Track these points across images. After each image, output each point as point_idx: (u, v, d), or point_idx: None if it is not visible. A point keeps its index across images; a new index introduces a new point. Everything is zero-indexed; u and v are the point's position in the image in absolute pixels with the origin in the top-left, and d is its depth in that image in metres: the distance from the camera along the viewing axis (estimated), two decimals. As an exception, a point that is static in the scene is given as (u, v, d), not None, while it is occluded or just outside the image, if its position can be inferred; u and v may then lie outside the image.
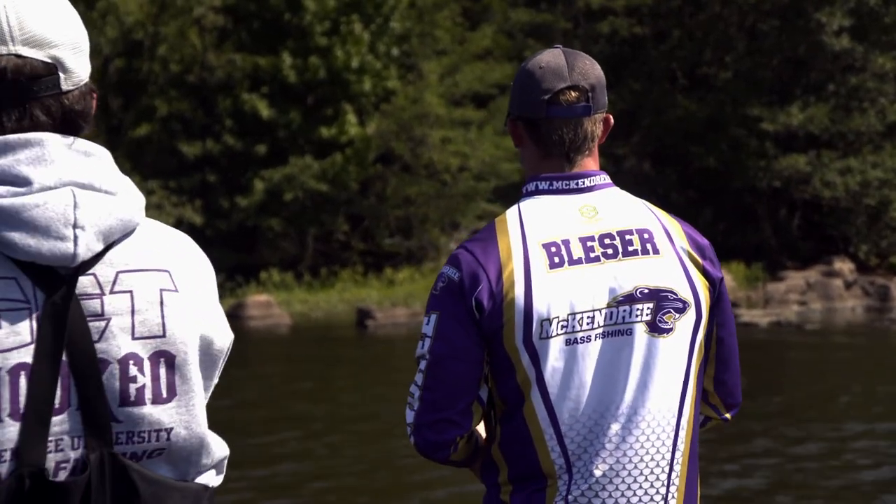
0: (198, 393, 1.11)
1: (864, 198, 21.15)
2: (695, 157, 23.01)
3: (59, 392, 1.04)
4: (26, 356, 1.03)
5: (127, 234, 1.10)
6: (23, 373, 1.02)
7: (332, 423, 8.74)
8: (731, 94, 22.47)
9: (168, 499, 1.08)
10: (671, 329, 1.68)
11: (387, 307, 18.58)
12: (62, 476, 1.05)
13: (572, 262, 1.66)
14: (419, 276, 21.54)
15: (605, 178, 1.76)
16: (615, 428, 1.66)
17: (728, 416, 1.87)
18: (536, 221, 1.70)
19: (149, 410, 1.07)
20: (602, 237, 1.69)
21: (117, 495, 1.06)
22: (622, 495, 1.67)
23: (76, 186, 1.06)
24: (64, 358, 1.04)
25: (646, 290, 1.67)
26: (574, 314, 1.64)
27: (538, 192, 1.74)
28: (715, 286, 1.75)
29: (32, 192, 1.04)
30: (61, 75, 1.09)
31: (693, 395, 1.72)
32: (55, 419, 1.04)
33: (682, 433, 1.70)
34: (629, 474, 1.67)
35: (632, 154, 23.91)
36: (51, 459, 1.05)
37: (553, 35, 24.43)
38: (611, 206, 1.73)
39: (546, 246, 1.67)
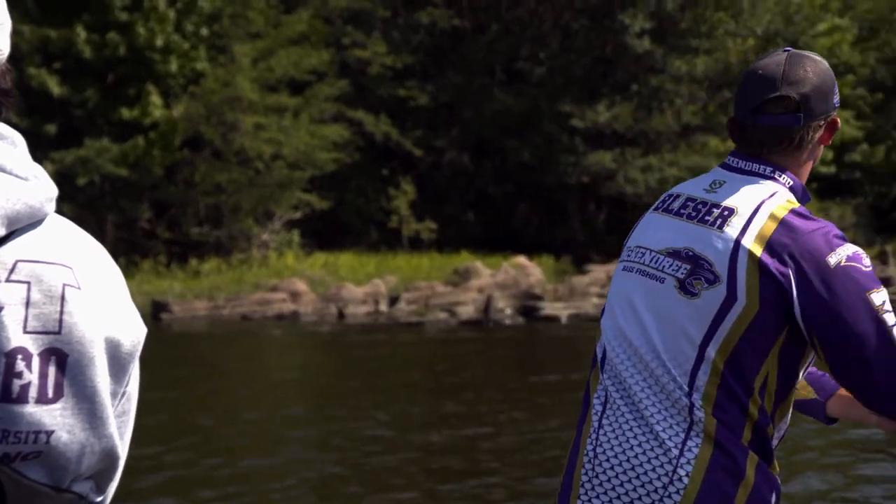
0: (94, 399, 1.04)
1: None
2: (511, 151, 23.31)
3: None
4: None
5: (33, 224, 1.04)
6: None
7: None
8: (545, 90, 22.89)
9: None
10: (696, 294, 1.76)
11: (187, 300, 17.77)
12: None
13: (667, 210, 1.84)
14: (226, 268, 20.74)
15: (771, 171, 1.80)
16: (633, 360, 1.77)
17: None
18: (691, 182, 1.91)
19: (31, 409, 1.00)
20: (700, 203, 1.81)
21: None
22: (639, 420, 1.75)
23: None
24: None
25: (690, 253, 1.78)
26: (636, 247, 1.85)
27: (723, 165, 1.89)
28: (789, 292, 1.70)
29: None
30: None
31: (716, 378, 1.71)
32: None
33: (698, 410, 1.70)
34: (648, 406, 1.74)
35: (452, 146, 23.93)
36: None
37: (372, 22, 24.05)
38: (734, 187, 1.81)
39: (670, 193, 1.88)
